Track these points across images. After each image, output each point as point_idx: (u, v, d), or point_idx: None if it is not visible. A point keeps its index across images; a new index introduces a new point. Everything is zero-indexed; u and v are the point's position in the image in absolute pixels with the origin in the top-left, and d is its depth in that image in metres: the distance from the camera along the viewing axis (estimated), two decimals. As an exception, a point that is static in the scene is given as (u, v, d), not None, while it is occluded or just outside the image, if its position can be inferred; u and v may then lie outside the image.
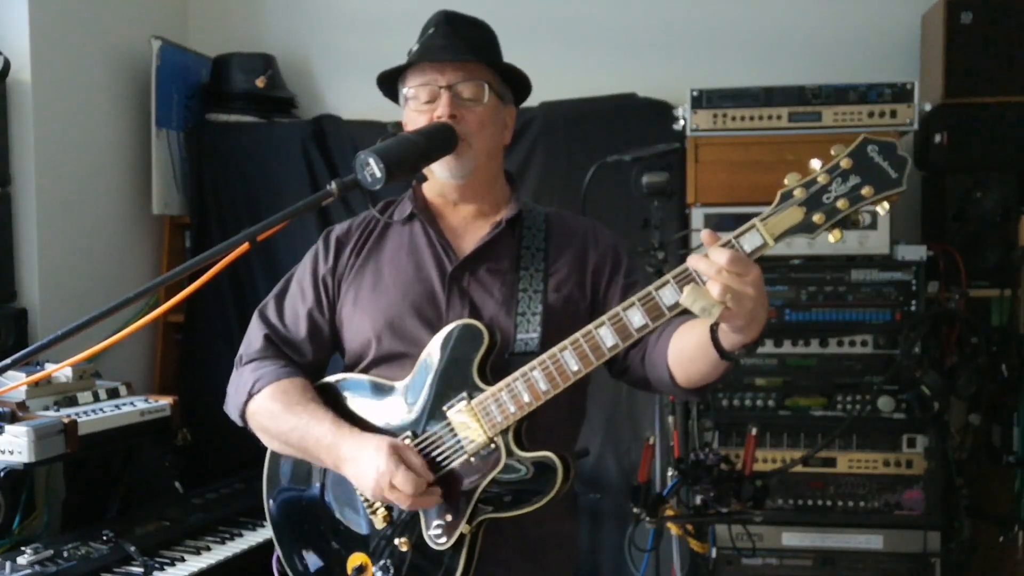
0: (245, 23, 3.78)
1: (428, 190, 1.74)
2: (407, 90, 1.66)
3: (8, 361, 1.32)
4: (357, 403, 1.66)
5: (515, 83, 1.72)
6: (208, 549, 2.47)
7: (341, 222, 1.79)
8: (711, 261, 1.30)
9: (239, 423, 1.71)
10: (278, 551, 1.74)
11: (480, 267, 1.66)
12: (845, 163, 1.31)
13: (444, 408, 1.55)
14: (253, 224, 1.40)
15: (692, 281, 1.36)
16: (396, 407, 1.61)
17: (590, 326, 1.46)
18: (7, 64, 2.84)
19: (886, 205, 1.31)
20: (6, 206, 2.88)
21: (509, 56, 1.72)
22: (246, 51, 3.57)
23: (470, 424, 1.52)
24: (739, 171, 2.83)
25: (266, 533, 2.57)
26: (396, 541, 1.58)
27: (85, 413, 2.49)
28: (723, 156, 2.90)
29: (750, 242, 1.33)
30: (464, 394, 1.54)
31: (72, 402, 2.57)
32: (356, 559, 1.62)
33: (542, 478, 1.49)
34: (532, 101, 3.25)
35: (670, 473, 2.72)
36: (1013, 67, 2.94)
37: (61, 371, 2.53)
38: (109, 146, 3.32)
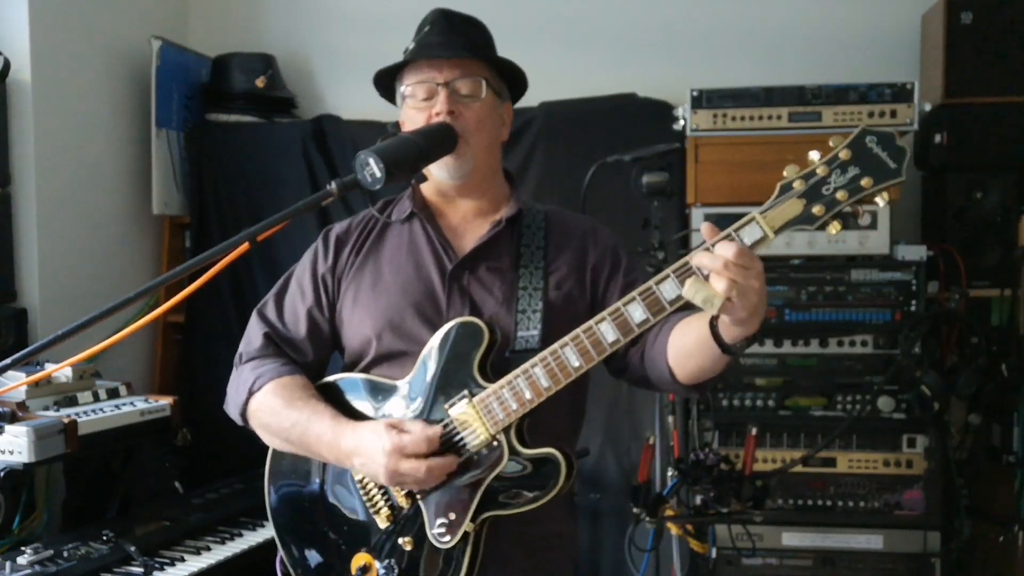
0: (245, 23, 3.78)
1: (427, 189, 1.74)
2: (404, 88, 1.66)
3: (8, 361, 1.32)
4: (357, 402, 1.66)
5: (511, 79, 1.72)
6: (208, 549, 2.47)
7: (340, 221, 1.79)
8: (716, 255, 1.30)
9: (239, 422, 1.71)
10: (281, 553, 1.74)
11: (480, 265, 1.66)
12: (844, 154, 1.31)
13: (445, 406, 1.55)
14: (253, 224, 1.40)
15: (689, 274, 1.36)
16: (397, 406, 1.61)
17: (591, 321, 1.46)
18: (7, 64, 2.84)
19: (886, 196, 1.32)
20: (6, 206, 2.88)
21: (509, 56, 1.72)
22: (246, 51, 3.57)
23: (472, 422, 1.52)
24: (739, 171, 2.83)
25: (266, 533, 2.57)
26: (400, 540, 1.58)
27: (85, 413, 2.49)
28: (723, 156, 2.90)
29: (750, 235, 1.33)
30: (465, 392, 1.54)
31: (72, 402, 2.56)
32: (360, 559, 1.61)
33: (545, 475, 1.49)
34: (532, 101, 3.26)
35: (670, 473, 2.72)
36: (1013, 67, 2.94)
37: (61, 371, 2.53)
38: (109, 146, 3.32)
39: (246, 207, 3.45)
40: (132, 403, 2.69)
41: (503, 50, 1.72)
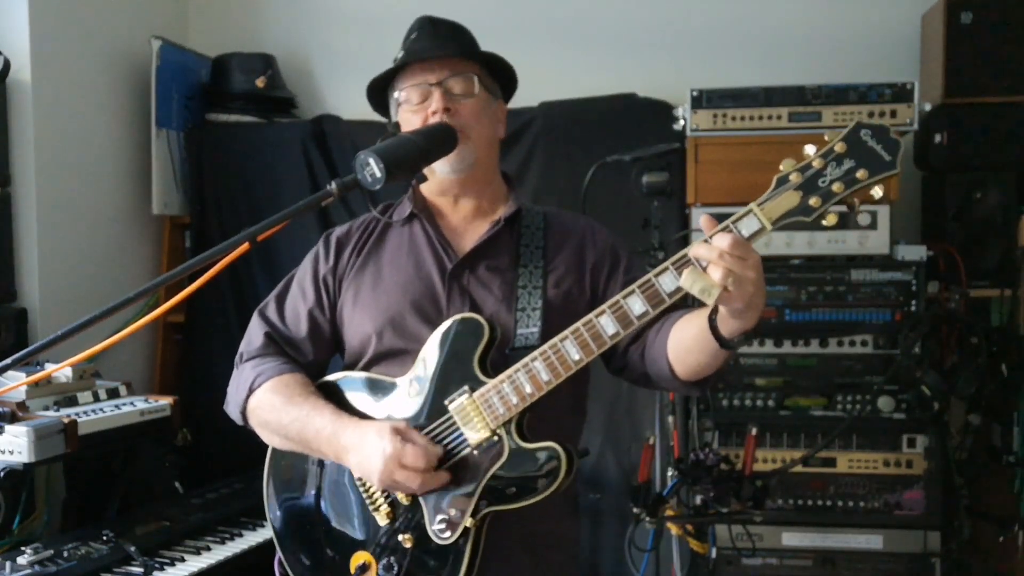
0: (245, 23, 3.78)
1: (427, 190, 1.75)
2: (398, 94, 1.69)
3: (8, 361, 1.32)
4: (358, 400, 1.66)
5: (502, 79, 1.75)
6: (208, 549, 2.47)
7: (341, 223, 1.80)
8: (712, 246, 1.31)
9: (239, 421, 1.71)
10: (280, 553, 1.74)
11: (480, 265, 1.67)
12: (839, 147, 1.34)
13: (445, 402, 1.55)
14: (253, 224, 1.40)
15: (691, 266, 1.37)
16: (397, 403, 1.62)
17: (590, 315, 1.48)
18: (7, 64, 2.84)
19: (881, 188, 1.33)
20: (6, 206, 2.88)
21: (508, 56, 1.73)
22: (246, 51, 3.57)
23: (472, 417, 1.53)
24: (739, 171, 2.82)
25: (266, 533, 2.57)
26: (399, 538, 1.58)
27: (85, 413, 2.49)
28: (723, 156, 2.90)
29: (748, 226, 1.35)
30: (465, 387, 1.54)
31: (72, 402, 2.57)
32: (359, 557, 1.62)
33: (546, 469, 1.49)
34: (532, 101, 3.27)
35: (670, 473, 2.72)
36: (1013, 67, 2.94)
37: (61, 371, 2.53)
38: (109, 146, 3.32)
39: (246, 207, 3.45)
40: (132, 403, 2.69)
41: (502, 51, 1.73)
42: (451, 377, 1.56)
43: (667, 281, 1.42)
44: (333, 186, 1.46)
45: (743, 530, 2.62)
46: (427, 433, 1.56)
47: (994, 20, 2.95)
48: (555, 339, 1.49)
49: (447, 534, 1.54)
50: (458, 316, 1.58)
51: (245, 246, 1.37)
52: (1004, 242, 2.90)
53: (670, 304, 1.43)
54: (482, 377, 1.54)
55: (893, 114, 2.81)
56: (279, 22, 3.76)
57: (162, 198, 3.45)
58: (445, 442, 1.55)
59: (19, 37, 2.89)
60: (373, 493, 1.61)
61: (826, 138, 1.34)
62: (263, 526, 2.62)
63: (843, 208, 1.35)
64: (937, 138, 2.95)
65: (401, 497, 1.58)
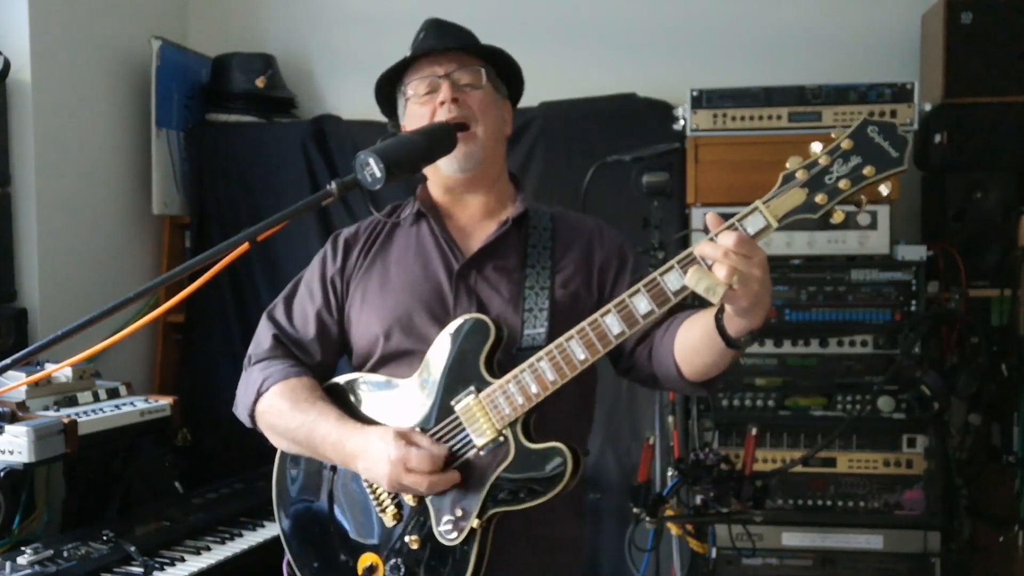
0: (245, 23, 3.78)
1: (434, 190, 1.75)
2: (406, 87, 1.69)
3: (8, 361, 1.32)
4: (365, 401, 1.66)
5: (508, 80, 1.75)
6: (208, 549, 2.46)
7: (342, 223, 1.81)
8: (718, 244, 1.31)
9: (248, 423, 1.72)
10: (288, 555, 1.74)
11: (487, 265, 1.67)
12: (846, 144, 1.32)
13: (452, 403, 1.55)
14: (253, 224, 1.40)
15: (696, 264, 1.37)
16: (404, 404, 1.62)
17: (596, 314, 1.47)
18: (7, 64, 2.84)
19: (889, 185, 1.32)
20: (6, 206, 2.88)
21: (508, 56, 1.74)
22: (246, 51, 3.57)
23: (478, 418, 1.53)
24: (739, 171, 2.82)
25: (266, 533, 2.57)
26: (406, 539, 1.58)
27: (85, 413, 2.49)
28: (723, 156, 2.90)
29: (753, 224, 1.34)
30: (472, 388, 1.54)
31: (72, 402, 2.56)
32: (367, 559, 1.62)
33: (552, 469, 1.49)
34: (532, 101, 3.26)
35: (670, 473, 2.72)
36: (1013, 67, 2.94)
37: (61, 371, 2.53)
38: (109, 146, 3.32)
39: (246, 207, 3.45)
40: (132, 403, 2.69)
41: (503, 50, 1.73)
42: (457, 378, 1.56)
43: (672, 280, 1.41)
44: (333, 186, 1.45)
45: (743, 530, 2.62)
46: (434, 434, 1.56)
47: (994, 20, 2.95)
48: (561, 339, 1.49)
49: (453, 535, 1.53)
50: (464, 316, 1.58)
51: (245, 246, 1.37)
52: (1004, 242, 2.90)
53: (676, 303, 1.43)
54: (488, 378, 1.53)
55: (893, 114, 2.81)
56: (279, 22, 3.76)
57: (162, 198, 3.45)
58: (452, 443, 1.55)
59: (19, 37, 2.89)
60: (380, 495, 1.61)
61: (833, 135, 1.33)
62: (263, 526, 2.62)
63: (851, 207, 1.34)
64: (937, 138, 2.95)
65: (408, 499, 1.58)
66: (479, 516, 1.52)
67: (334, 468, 1.67)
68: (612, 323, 1.46)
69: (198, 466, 3.22)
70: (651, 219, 2.71)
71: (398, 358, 1.65)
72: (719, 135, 2.89)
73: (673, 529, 2.65)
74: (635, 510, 2.57)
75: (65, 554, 2.26)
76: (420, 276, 1.68)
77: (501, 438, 1.52)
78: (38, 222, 2.93)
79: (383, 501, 1.61)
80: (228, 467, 3.08)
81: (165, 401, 2.75)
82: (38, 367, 2.49)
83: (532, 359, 1.50)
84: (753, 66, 3.36)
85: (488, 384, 1.53)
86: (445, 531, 1.54)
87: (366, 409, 1.66)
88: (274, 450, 1.76)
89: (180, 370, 3.56)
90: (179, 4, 3.77)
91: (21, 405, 2.43)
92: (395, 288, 1.68)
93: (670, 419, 2.83)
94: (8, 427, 2.27)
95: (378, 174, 1.45)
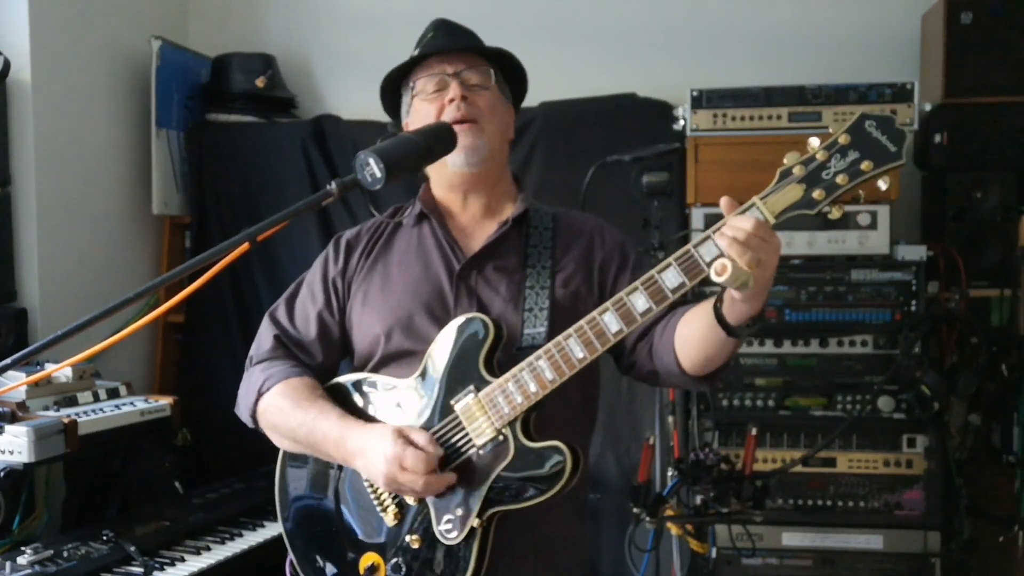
0: (245, 23, 3.78)
1: (437, 190, 1.76)
2: (413, 85, 1.70)
3: (8, 361, 1.32)
4: (366, 401, 1.67)
5: (513, 85, 1.76)
6: (208, 549, 2.46)
7: (342, 223, 1.81)
8: (737, 227, 1.30)
9: (250, 423, 1.72)
10: (291, 554, 1.74)
11: (487, 265, 1.67)
12: (843, 139, 1.32)
13: (451, 402, 1.55)
14: (253, 224, 1.40)
15: (693, 263, 1.37)
16: (404, 404, 1.62)
17: (594, 312, 1.47)
18: (7, 64, 2.84)
19: (886, 180, 1.32)
20: (6, 206, 2.88)
21: (508, 57, 1.74)
22: (246, 51, 3.57)
23: (477, 417, 1.53)
24: (739, 171, 2.82)
25: (266, 533, 2.58)
26: (408, 538, 1.58)
27: (85, 413, 2.49)
28: (723, 156, 2.90)
29: None
30: (471, 387, 1.54)
31: (72, 402, 2.56)
32: (368, 559, 1.62)
33: (551, 468, 1.49)
34: (532, 101, 3.25)
35: (670, 473, 2.72)
36: (1013, 67, 2.94)
37: (61, 371, 2.53)
38: (109, 146, 3.32)
39: (246, 207, 3.45)
40: (132, 403, 2.69)
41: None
42: (457, 377, 1.56)
43: (670, 277, 1.41)
44: (333, 186, 1.45)
45: (743, 530, 2.62)
46: (434, 434, 1.56)
47: (994, 20, 2.95)
48: (559, 337, 1.49)
49: (453, 534, 1.53)
50: (464, 316, 1.58)
51: (245, 246, 1.37)
52: (1004, 242, 2.90)
53: (674, 300, 1.43)
54: (488, 377, 1.54)
55: (893, 114, 2.80)
56: (279, 22, 3.76)
57: (162, 198, 3.45)
58: (452, 442, 1.55)
59: (19, 37, 2.89)
60: (381, 494, 1.61)
61: (830, 131, 1.33)
62: (263, 526, 2.62)
63: (853, 205, 1.33)
64: (937, 138, 2.95)
65: (408, 498, 1.58)
66: (479, 515, 1.52)
67: (341, 467, 1.67)
68: (610, 321, 1.45)
69: (198, 466, 3.22)
70: (651, 219, 2.71)
71: (399, 358, 1.65)
72: (719, 135, 2.89)
73: (673, 529, 2.65)
74: (635, 510, 2.57)
75: (65, 554, 2.26)
76: (421, 277, 1.68)
77: (500, 437, 1.52)
78: (38, 222, 2.93)
79: (384, 500, 1.61)
80: (228, 467, 3.08)
81: (165, 401, 2.75)
82: (38, 367, 2.49)
83: (531, 358, 1.50)
84: (753, 66, 3.36)
85: (487, 383, 1.53)
86: (445, 530, 1.54)
87: (367, 409, 1.66)
88: (274, 450, 1.76)
89: (180, 370, 3.55)
90: (179, 4, 3.77)
91: (21, 405, 2.43)
92: (396, 289, 1.68)
93: (670, 419, 2.83)
94: (8, 427, 2.28)
95: (378, 174, 1.45)
